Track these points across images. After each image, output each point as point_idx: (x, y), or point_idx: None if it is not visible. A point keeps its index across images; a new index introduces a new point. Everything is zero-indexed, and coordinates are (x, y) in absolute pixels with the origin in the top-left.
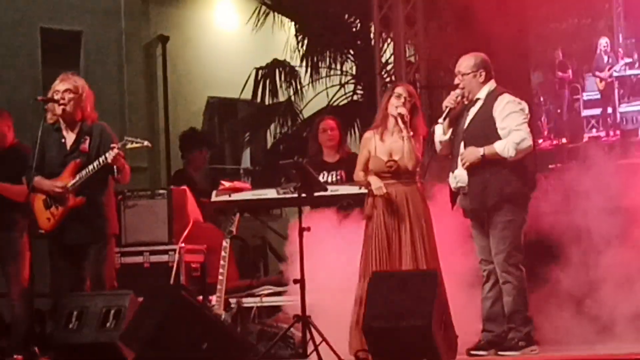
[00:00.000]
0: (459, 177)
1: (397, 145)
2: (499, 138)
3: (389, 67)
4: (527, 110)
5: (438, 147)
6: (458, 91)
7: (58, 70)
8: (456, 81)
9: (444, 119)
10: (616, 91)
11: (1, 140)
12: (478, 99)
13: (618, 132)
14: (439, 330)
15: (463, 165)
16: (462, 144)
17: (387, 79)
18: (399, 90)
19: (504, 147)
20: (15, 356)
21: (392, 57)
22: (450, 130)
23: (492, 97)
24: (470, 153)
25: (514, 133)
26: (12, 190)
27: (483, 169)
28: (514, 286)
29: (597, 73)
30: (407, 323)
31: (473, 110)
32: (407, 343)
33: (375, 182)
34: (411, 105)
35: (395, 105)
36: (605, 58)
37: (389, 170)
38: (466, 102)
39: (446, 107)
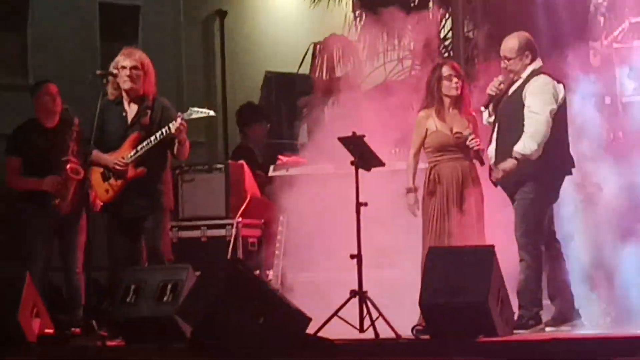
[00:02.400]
0: (491, 153)
1: (457, 122)
2: (524, 115)
3: (447, 43)
4: (560, 95)
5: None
6: (500, 78)
7: (116, 45)
8: (502, 65)
9: (486, 107)
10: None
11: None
12: (520, 78)
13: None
14: (495, 306)
15: (499, 177)
16: (496, 123)
17: (445, 55)
18: (446, 70)
19: (524, 146)
20: (72, 329)
21: (450, 33)
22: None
23: (531, 76)
24: (505, 167)
25: (528, 124)
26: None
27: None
28: (528, 265)
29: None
30: (463, 299)
31: (512, 89)
32: (463, 319)
33: (408, 196)
34: (462, 82)
35: (448, 86)
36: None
37: (457, 142)
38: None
39: (489, 94)
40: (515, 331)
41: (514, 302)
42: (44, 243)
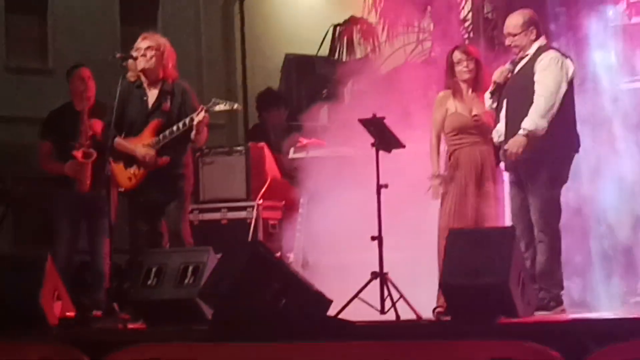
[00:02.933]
0: (500, 131)
1: (476, 104)
2: (533, 91)
3: (466, 24)
4: (570, 71)
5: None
6: (508, 66)
7: (136, 29)
8: (507, 42)
9: (492, 93)
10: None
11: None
12: (527, 54)
13: None
14: (516, 287)
15: (509, 157)
16: (505, 100)
17: (466, 36)
18: (457, 55)
19: (532, 122)
20: (94, 312)
21: (470, 14)
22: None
23: (539, 52)
24: (513, 145)
25: (537, 99)
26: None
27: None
28: (548, 246)
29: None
30: (484, 280)
31: (519, 66)
32: (484, 300)
33: (434, 181)
34: (474, 64)
35: (461, 70)
36: None
37: (476, 124)
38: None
39: (494, 81)
40: (536, 313)
41: None
42: (69, 226)
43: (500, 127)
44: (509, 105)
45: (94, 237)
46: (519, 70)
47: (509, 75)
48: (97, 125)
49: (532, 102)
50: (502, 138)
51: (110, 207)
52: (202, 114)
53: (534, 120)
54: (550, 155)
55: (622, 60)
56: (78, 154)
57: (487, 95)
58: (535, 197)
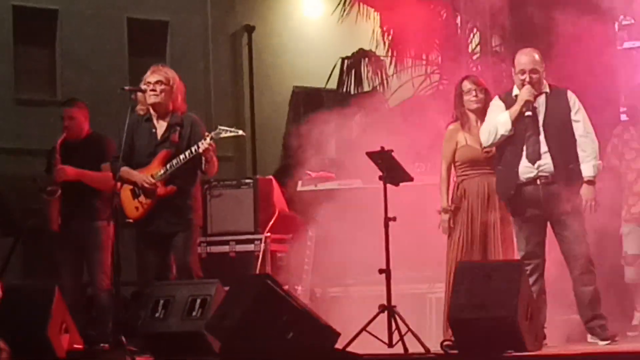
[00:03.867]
0: (544, 165)
1: None
2: (572, 126)
3: (475, 57)
4: None
5: (492, 139)
6: (529, 86)
7: (144, 60)
8: (525, 78)
9: (527, 110)
10: None
11: (78, 131)
12: (544, 92)
13: None
14: (524, 321)
15: (592, 209)
16: (542, 134)
17: (474, 69)
18: (467, 85)
19: (594, 168)
20: (102, 345)
21: (479, 47)
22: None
23: (554, 90)
24: (589, 195)
25: (587, 142)
26: (94, 178)
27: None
28: (595, 276)
29: None
30: (492, 314)
31: (542, 101)
32: (492, 334)
33: (443, 216)
34: (484, 94)
35: (469, 99)
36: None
37: (487, 157)
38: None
39: (526, 100)
40: (600, 343)
41: None
42: (69, 259)
43: (545, 162)
44: (552, 140)
45: (90, 271)
46: (548, 106)
47: (534, 93)
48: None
49: (574, 139)
50: (544, 173)
51: (117, 239)
52: (208, 140)
53: (594, 165)
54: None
55: None
56: (43, 192)
57: (528, 113)
58: (575, 229)
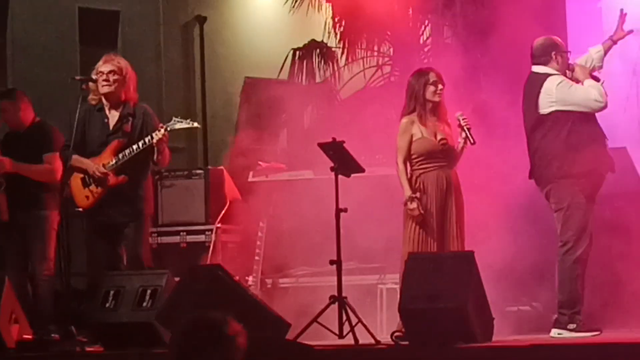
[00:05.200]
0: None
1: (439, 128)
2: None
3: (426, 49)
4: None
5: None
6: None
7: (95, 50)
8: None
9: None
10: None
11: (17, 121)
12: None
13: None
14: (474, 312)
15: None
16: None
17: (425, 61)
18: (433, 76)
19: None
20: (52, 335)
21: (430, 39)
22: None
23: None
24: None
25: None
26: (32, 170)
27: None
28: None
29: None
30: (443, 305)
31: None
32: (443, 325)
33: (411, 204)
34: (443, 89)
35: (434, 91)
36: None
37: (443, 148)
38: None
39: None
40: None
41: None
42: (13, 249)
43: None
44: None
45: (31, 262)
46: None
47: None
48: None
49: None
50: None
51: (55, 230)
52: (162, 131)
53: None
54: None
55: None
56: None
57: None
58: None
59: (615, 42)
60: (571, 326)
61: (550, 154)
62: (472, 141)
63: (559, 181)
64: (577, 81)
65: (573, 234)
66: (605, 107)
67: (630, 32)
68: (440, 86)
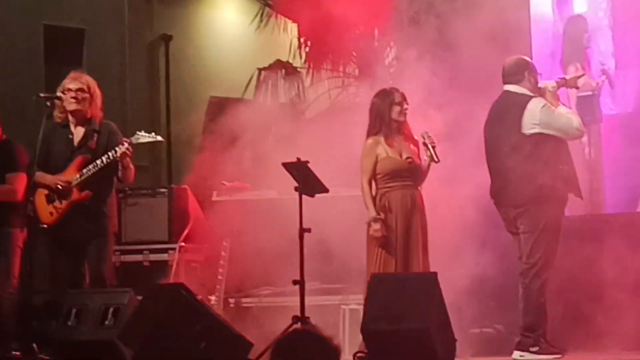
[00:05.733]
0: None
1: (404, 147)
2: None
3: (391, 70)
4: None
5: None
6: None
7: (61, 68)
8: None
9: None
10: None
11: None
12: None
13: None
14: (437, 333)
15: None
16: None
17: (390, 82)
18: (398, 97)
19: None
20: (14, 353)
21: (395, 61)
22: None
23: None
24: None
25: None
26: None
27: None
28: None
29: None
30: (405, 326)
31: None
32: (405, 346)
33: (375, 225)
34: (407, 109)
35: (399, 111)
36: None
37: (409, 167)
38: None
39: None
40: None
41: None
42: None
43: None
44: None
45: None
46: None
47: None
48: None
49: None
50: None
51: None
52: (125, 146)
53: None
54: None
55: None
56: None
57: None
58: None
59: (566, 86)
60: (534, 348)
61: (531, 175)
62: (436, 159)
63: (537, 203)
64: None
65: (541, 256)
66: (582, 136)
67: (582, 75)
68: (405, 106)
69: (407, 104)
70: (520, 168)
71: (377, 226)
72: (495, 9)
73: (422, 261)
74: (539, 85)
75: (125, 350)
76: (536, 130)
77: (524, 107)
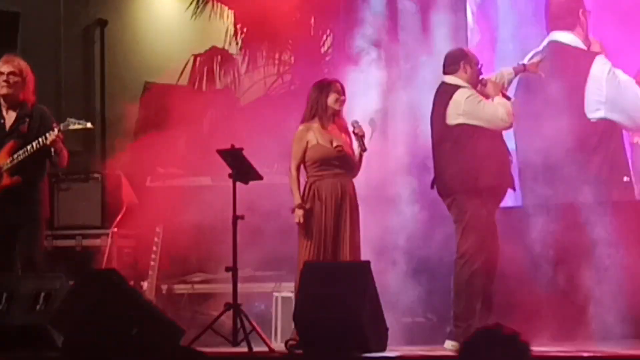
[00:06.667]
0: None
1: (336, 135)
2: None
3: (327, 59)
4: None
5: None
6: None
7: None
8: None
9: None
10: None
11: None
12: None
13: None
14: (369, 322)
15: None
16: None
17: (326, 70)
18: (338, 86)
19: None
20: None
21: (331, 49)
22: None
23: None
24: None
25: None
26: None
27: None
28: None
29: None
30: (337, 314)
31: None
32: (337, 334)
33: (298, 212)
34: (344, 100)
35: (337, 99)
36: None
37: (338, 155)
38: None
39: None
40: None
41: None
42: None
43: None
44: None
45: None
46: None
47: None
48: None
49: None
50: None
51: None
52: (55, 132)
53: None
54: None
55: None
56: None
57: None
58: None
59: (525, 71)
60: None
61: (455, 165)
62: (363, 148)
63: (463, 193)
64: (488, 96)
65: (470, 246)
66: (510, 127)
67: (540, 61)
68: (343, 97)
69: (345, 96)
70: (446, 158)
71: (299, 212)
72: None
73: (351, 251)
74: (493, 75)
75: (56, 335)
76: (461, 120)
77: (450, 98)
